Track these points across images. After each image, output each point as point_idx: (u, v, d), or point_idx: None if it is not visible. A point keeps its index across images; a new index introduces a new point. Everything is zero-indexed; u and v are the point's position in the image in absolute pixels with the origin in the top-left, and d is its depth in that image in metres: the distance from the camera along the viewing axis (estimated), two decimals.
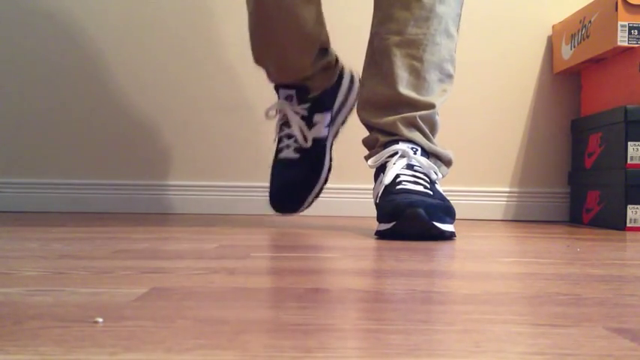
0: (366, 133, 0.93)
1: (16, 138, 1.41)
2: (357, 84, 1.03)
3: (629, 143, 1.12)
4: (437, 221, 0.73)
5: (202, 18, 1.41)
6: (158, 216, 1.27)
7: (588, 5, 1.26)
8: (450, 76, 0.88)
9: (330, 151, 1.06)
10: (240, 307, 0.34)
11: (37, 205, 1.39)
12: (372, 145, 0.89)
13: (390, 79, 0.84)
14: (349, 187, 1.40)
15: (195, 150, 1.41)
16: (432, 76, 0.85)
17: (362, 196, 1.40)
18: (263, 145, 1.29)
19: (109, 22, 1.41)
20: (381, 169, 0.85)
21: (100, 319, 0.30)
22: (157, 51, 1.41)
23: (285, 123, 1.00)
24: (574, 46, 1.32)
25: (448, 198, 0.82)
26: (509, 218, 1.42)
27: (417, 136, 0.84)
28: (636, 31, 1.13)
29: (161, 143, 1.41)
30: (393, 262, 0.56)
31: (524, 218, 1.42)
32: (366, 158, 0.90)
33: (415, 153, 0.82)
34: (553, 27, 1.43)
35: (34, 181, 1.40)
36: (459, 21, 0.91)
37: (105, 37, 1.41)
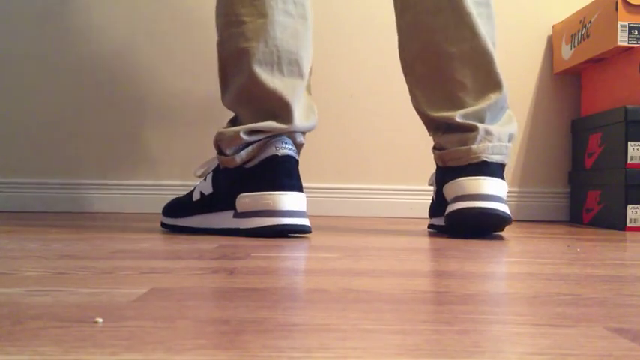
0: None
1: (16, 138, 1.41)
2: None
3: (629, 143, 1.12)
4: None
5: (202, 18, 1.41)
6: (158, 216, 1.27)
7: (588, 5, 1.26)
8: None
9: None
10: (240, 307, 0.34)
11: (37, 205, 1.39)
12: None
13: None
14: (351, 188, 1.40)
15: (196, 151, 1.41)
16: None
17: (364, 196, 1.40)
18: None
19: (109, 24, 1.41)
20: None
21: (100, 319, 0.30)
22: (158, 51, 1.41)
23: None
24: (574, 46, 1.32)
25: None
26: None
27: None
28: (636, 31, 1.13)
29: (161, 144, 1.41)
30: (393, 262, 0.56)
31: (524, 218, 1.42)
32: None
33: None
34: (553, 27, 1.43)
35: (34, 181, 1.40)
36: None
37: (105, 39, 1.41)
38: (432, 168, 1.40)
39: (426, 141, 1.40)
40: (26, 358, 0.24)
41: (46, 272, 0.45)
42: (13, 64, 1.41)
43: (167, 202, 0.94)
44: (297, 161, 0.81)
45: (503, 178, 0.84)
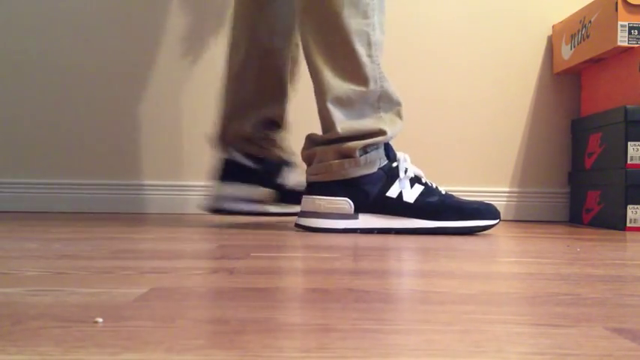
0: None
1: (16, 138, 1.41)
2: None
3: (629, 143, 1.12)
4: None
5: (201, 19, 1.41)
6: (158, 216, 1.27)
7: (588, 5, 1.26)
8: None
9: None
10: (240, 307, 0.34)
11: (37, 205, 1.39)
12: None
13: None
14: None
15: (196, 151, 1.41)
16: None
17: None
18: None
19: (109, 23, 1.41)
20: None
21: (100, 319, 0.30)
22: (157, 52, 1.41)
23: None
24: (574, 46, 1.32)
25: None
26: (510, 218, 1.42)
27: None
28: (636, 31, 1.13)
29: (161, 144, 1.41)
30: (393, 262, 0.56)
31: (524, 218, 1.42)
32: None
33: None
34: (553, 27, 1.43)
35: (34, 181, 1.40)
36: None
37: (104, 39, 1.41)
38: (430, 168, 1.40)
39: (425, 140, 1.40)
40: (26, 358, 0.24)
41: (46, 272, 0.45)
42: (13, 64, 1.41)
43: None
44: None
45: None
